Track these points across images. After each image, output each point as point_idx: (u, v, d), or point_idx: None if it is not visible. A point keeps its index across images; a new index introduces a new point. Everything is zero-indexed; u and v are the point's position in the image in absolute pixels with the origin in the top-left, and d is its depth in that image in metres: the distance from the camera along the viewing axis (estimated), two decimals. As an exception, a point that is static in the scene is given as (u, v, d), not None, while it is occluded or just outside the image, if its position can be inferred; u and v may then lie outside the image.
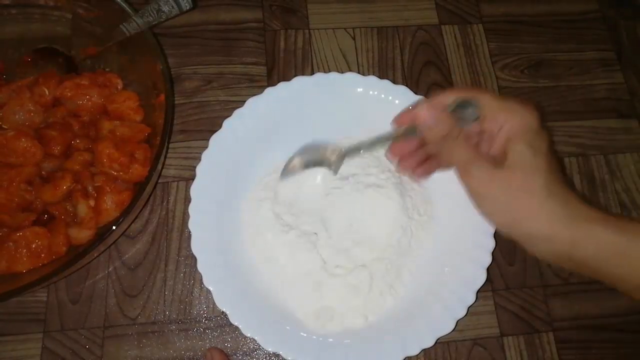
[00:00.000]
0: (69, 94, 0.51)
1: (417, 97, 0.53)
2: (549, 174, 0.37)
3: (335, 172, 0.47)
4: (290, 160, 0.48)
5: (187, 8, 0.51)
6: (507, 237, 0.39)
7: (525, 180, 0.36)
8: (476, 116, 0.40)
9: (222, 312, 0.46)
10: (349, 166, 0.50)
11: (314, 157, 0.47)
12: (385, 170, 0.51)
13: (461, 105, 0.40)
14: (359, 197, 0.49)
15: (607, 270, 0.36)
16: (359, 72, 0.56)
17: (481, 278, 0.47)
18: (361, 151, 0.45)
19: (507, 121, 0.38)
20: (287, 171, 0.48)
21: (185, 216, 0.53)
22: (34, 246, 0.45)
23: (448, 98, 0.40)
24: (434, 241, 0.50)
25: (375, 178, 0.50)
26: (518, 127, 0.38)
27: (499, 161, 0.38)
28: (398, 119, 0.43)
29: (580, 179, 0.58)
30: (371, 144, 0.44)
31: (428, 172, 0.47)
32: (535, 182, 0.36)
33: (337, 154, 0.46)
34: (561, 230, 0.36)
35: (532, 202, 0.36)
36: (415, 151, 0.44)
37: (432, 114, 0.39)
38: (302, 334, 0.45)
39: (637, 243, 0.35)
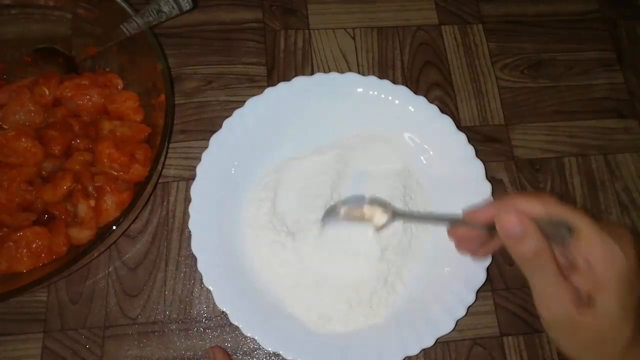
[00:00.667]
0: (69, 94, 0.51)
1: (417, 98, 0.53)
2: (635, 327, 0.33)
3: (380, 230, 0.44)
4: (336, 206, 0.45)
5: (187, 8, 0.51)
6: None
7: (608, 333, 0.33)
8: (564, 240, 0.34)
9: (222, 312, 0.46)
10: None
11: (360, 210, 0.44)
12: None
13: (550, 222, 0.34)
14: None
15: None
16: (359, 72, 0.56)
17: (481, 278, 0.47)
18: (412, 220, 0.42)
19: (600, 260, 0.32)
20: (330, 215, 0.45)
21: (185, 216, 0.53)
22: (34, 246, 0.45)
23: (537, 208, 0.34)
24: (433, 241, 0.50)
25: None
26: (611, 274, 0.32)
27: (583, 297, 0.33)
28: (472, 214, 0.38)
29: (580, 179, 0.58)
30: (427, 219, 0.41)
31: (490, 252, 0.43)
32: (618, 336, 0.33)
33: (386, 215, 0.43)
34: None
35: (610, 356, 0.33)
36: (480, 239, 0.40)
37: (519, 223, 0.33)
38: (302, 334, 0.45)
39: None
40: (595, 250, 0.33)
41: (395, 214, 0.43)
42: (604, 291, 0.32)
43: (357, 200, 0.44)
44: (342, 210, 0.44)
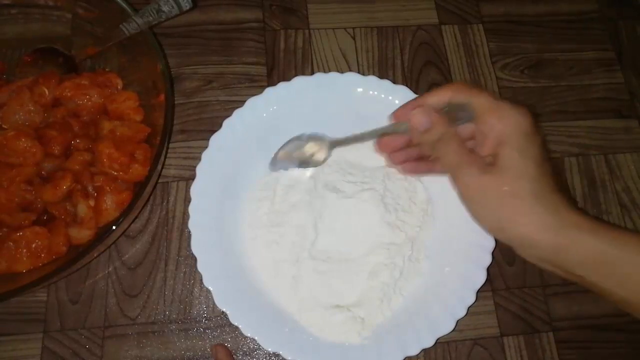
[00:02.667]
0: (69, 94, 0.51)
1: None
2: (539, 179, 0.36)
3: (319, 164, 0.48)
4: (277, 152, 0.49)
5: (187, 8, 0.51)
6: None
7: (512, 186, 0.36)
8: (470, 118, 0.40)
9: (222, 312, 0.46)
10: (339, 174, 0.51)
11: (300, 150, 0.48)
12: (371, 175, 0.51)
13: (455, 107, 0.40)
14: (347, 204, 0.49)
15: (593, 280, 0.35)
16: (359, 72, 0.56)
17: (481, 278, 0.47)
18: (348, 144, 0.46)
19: (498, 123, 0.38)
20: (274, 163, 0.49)
21: (185, 216, 0.53)
22: (34, 246, 0.45)
23: (443, 97, 0.40)
24: (434, 241, 0.50)
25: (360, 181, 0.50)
26: (509, 130, 0.37)
27: (490, 164, 0.38)
28: (394, 115, 0.44)
29: (580, 179, 0.58)
30: (359, 137, 0.45)
31: (417, 171, 0.48)
32: (522, 188, 0.36)
33: (325, 146, 0.47)
34: (546, 236, 0.35)
35: (518, 208, 0.36)
36: (407, 147, 0.45)
37: (425, 117, 0.40)
38: (302, 334, 0.45)
39: (626, 253, 0.34)
40: (491, 117, 0.38)
41: (332, 144, 0.47)
42: (503, 145, 0.37)
43: (296, 141, 0.48)
44: (280, 154, 0.48)
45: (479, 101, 0.39)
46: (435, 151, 0.40)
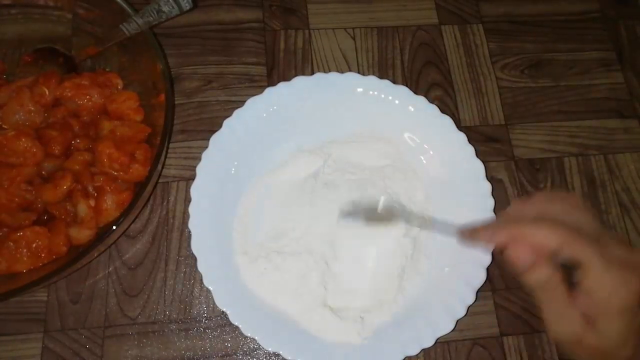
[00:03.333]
0: (69, 94, 0.51)
1: (417, 97, 0.53)
2: (637, 346, 0.35)
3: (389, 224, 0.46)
4: (353, 205, 0.47)
5: (187, 8, 0.51)
6: None
7: (611, 351, 0.34)
8: (572, 267, 0.35)
9: (222, 312, 0.46)
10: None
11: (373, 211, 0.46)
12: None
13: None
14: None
15: None
16: (359, 72, 0.56)
17: (481, 278, 0.47)
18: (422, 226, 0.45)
19: (601, 291, 0.34)
20: (346, 213, 0.47)
21: (185, 216, 0.53)
22: (34, 246, 0.45)
23: (553, 243, 0.34)
24: (434, 241, 0.50)
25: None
26: (612, 304, 0.34)
27: (589, 315, 0.35)
28: (485, 235, 0.39)
29: (580, 179, 0.58)
30: (439, 229, 0.43)
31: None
32: (620, 354, 0.35)
33: (401, 218, 0.45)
34: None
35: None
36: None
37: (530, 256, 0.35)
38: (302, 334, 0.45)
39: None
40: (598, 282, 0.34)
41: (409, 219, 0.44)
42: (605, 318, 0.34)
43: (371, 203, 0.46)
44: (361, 211, 0.46)
45: (586, 258, 0.34)
46: (536, 293, 0.36)
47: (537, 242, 0.35)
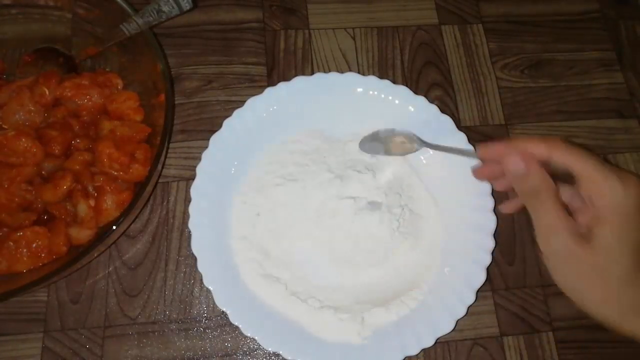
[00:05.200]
0: (69, 94, 0.51)
1: (417, 97, 0.53)
2: (635, 266, 0.34)
3: (411, 151, 0.50)
4: (368, 136, 0.51)
5: (187, 8, 0.51)
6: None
7: (605, 267, 0.34)
8: (570, 181, 0.36)
9: (222, 312, 0.46)
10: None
11: (390, 138, 0.50)
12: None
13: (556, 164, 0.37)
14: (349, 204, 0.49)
15: None
16: (359, 72, 0.56)
17: (481, 278, 0.47)
18: (439, 150, 0.47)
19: (599, 198, 0.34)
20: (364, 143, 0.51)
21: (185, 216, 0.53)
22: (34, 246, 0.45)
23: (542, 150, 0.36)
24: (433, 241, 0.50)
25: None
26: (609, 208, 0.34)
27: (584, 233, 0.35)
28: (482, 152, 0.41)
29: (580, 179, 0.58)
30: (451, 150, 0.46)
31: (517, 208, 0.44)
32: (616, 272, 0.34)
33: (414, 140, 0.49)
34: (630, 321, 0.34)
35: (606, 289, 0.34)
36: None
37: (522, 162, 0.36)
38: (302, 334, 0.45)
39: None
40: (596, 186, 0.34)
41: (422, 143, 0.49)
42: (602, 224, 0.34)
43: (387, 132, 0.51)
44: (383, 136, 0.50)
45: (583, 166, 0.35)
46: (527, 204, 0.37)
47: (527, 150, 0.37)
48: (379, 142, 0.50)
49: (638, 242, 0.34)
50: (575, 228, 0.35)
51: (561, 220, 0.35)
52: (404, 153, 0.50)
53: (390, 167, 0.52)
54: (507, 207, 0.44)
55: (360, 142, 0.51)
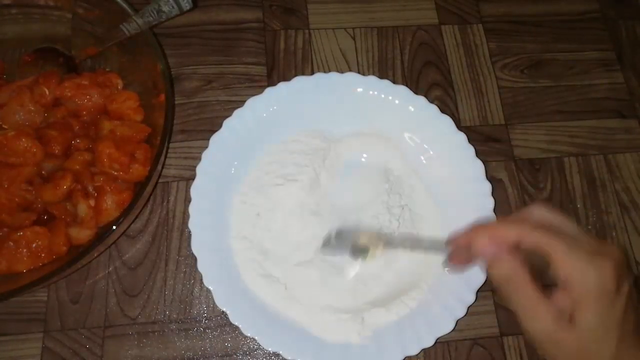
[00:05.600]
0: (69, 94, 0.51)
1: (417, 97, 0.53)
2: (622, 339, 0.33)
3: (372, 259, 0.44)
4: (330, 235, 0.45)
5: (187, 8, 0.51)
6: None
7: (591, 350, 0.33)
8: (544, 264, 0.34)
9: (222, 312, 0.46)
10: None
11: (355, 240, 0.44)
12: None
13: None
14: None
15: None
16: (359, 72, 0.56)
17: (481, 278, 0.47)
18: (402, 248, 0.44)
19: (573, 282, 0.33)
20: (326, 245, 0.46)
21: (185, 216, 0.53)
22: (34, 246, 0.44)
23: (511, 235, 0.35)
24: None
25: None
26: (585, 293, 0.33)
27: (566, 313, 0.33)
28: (454, 241, 0.39)
29: (580, 179, 0.58)
30: (418, 247, 0.43)
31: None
32: (602, 351, 0.33)
33: (380, 242, 0.44)
34: None
35: None
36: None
37: (490, 248, 0.35)
38: (302, 334, 0.45)
39: None
40: (567, 272, 0.33)
41: (388, 243, 0.43)
42: (581, 309, 0.33)
43: (349, 230, 0.45)
44: (334, 237, 0.44)
45: (553, 250, 0.33)
46: (503, 290, 0.35)
47: (497, 235, 0.35)
48: (343, 242, 0.45)
49: (621, 318, 0.33)
50: (556, 312, 0.33)
51: (539, 306, 0.34)
52: (370, 259, 0.44)
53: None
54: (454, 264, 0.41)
55: (323, 244, 0.46)
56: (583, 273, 0.33)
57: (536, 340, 0.35)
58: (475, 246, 0.36)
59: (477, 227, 0.37)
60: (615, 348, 0.33)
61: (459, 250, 0.39)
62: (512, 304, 0.35)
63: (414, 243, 0.44)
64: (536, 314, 0.34)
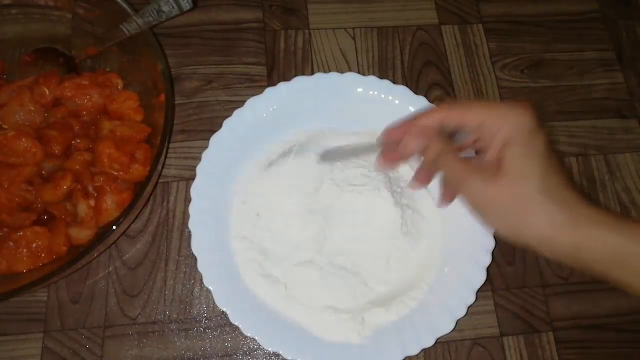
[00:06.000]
0: (69, 94, 0.51)
1: (417, 97, 0.53)
2: (546, 176, 0.35)
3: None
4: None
5: (187, 8, 0.51)
6: (514, 244, 0.38)
7: (520, 188, 0.35)
8: (467, 136, 0.40)
9: (222, 312, 0.46)
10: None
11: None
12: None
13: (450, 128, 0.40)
14: (354, 200, 0.49)
15: (613, 273, 0.35)
16: (359, 72, 0.56)
17: (481, 278, 0.47)
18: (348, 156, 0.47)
19: (499, 127, 0.37)
20: (325, 155, 0.50)
21: (185, 216, 0.53)
22: (34, 246, 0.45)
23: (433, 120, 0.40)
24: (433, 241, 0.50)
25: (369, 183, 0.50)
26: (511, 131, 0.36)
27: (495, 171, 0.37)
28: (385, 137, 0.43)
29: (580, 179, 0.58)
30: (354, 151, 0.46)
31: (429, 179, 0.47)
32: (531, 188, 0.35)
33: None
34: (562, 234, 0.35)
35: (529, 210, 0.35)
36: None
37: (417, 139, 0.40)
38: (302, 334, 0.45)
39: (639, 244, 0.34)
40: (491, 124, 0.37)
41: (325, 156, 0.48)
42: (506, 147, 0.36)
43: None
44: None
45: (470, 117, 0.38)
46: (438, 169, 0.40)
47: (422, 125, 0.40)
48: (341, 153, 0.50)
49: (545, 154, 0.36)
50: (482, 171, 0.37)
51: (466, 168, 0.38)
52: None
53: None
54: (417, 182, 0.47)
55: (322, 153, 0.50)
56: (506, 116, 0.37)
57: (474, 205, 0.38)
58: (407, 141, 0.40)
59: (405, 122, 0.42)
60: (541, 183, 0.35)
61: (390, 147, 0.43)
62: (449, 178, 0.40)
63: (353, 150, 0.48)
64: (464, 175, 0.38)
